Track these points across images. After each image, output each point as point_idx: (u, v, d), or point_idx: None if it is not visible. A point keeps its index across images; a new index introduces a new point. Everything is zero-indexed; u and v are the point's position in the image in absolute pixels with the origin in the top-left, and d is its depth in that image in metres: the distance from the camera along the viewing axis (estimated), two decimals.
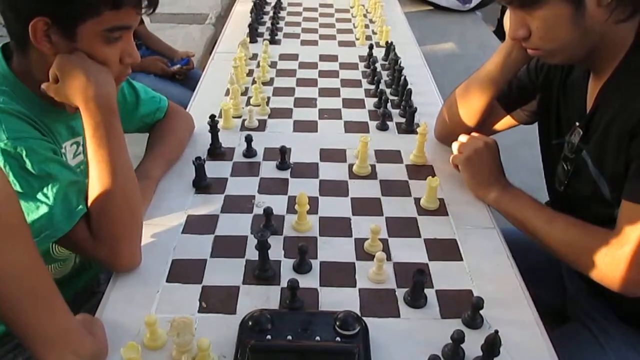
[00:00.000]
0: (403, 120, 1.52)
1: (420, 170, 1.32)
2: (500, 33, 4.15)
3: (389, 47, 1.91)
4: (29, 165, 0.91)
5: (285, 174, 1.29)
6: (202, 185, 1.23)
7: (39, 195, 0.92)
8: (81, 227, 0.96)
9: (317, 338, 0.84)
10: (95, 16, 0.92)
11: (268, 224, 1.09)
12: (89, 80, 0.95)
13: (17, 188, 0.91)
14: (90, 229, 0.97)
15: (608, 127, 1.00)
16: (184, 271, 1.01)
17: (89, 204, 0.98)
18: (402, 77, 1.64)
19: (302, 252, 1.00)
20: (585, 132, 1.06)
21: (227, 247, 1.07)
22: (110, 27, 0.94)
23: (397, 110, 1.58)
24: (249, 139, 1.34)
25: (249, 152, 1.35)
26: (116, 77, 1.02)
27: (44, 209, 0.92)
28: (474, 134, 1.24)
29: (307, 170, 1.31)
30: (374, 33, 2.19)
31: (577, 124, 1.08)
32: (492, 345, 0.83)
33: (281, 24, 2.26)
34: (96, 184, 0.97)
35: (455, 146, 1.25)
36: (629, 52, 0.99)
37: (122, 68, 1.02)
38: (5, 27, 0.97)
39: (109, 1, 0.92)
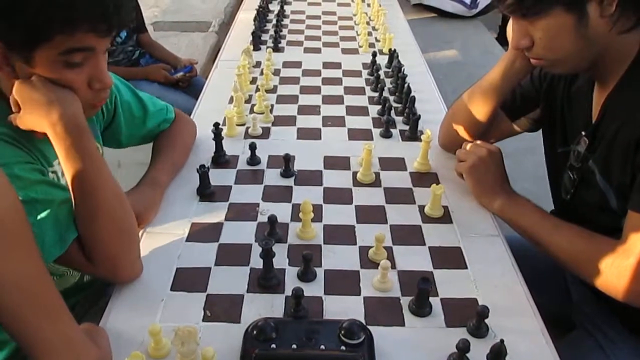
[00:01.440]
0: (407, 127, 1.52)
1: (425, 178, 1.32)
2: (502, 39, 4.15)
3: (392, 54, 1.92)
4: None
5: (289, 182, 1.29)
6: (206, 193, 1.23)
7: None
8: (75, 248, 0.94)
9: (322, 347, 0.84)
10: (46, 41, 0.86)
11: (272, 232, 1.09)
12: (50, 103, 0.90)
13: None
14: (83, 250, 0.95)
15: (614, 136, 1.00)
16: (188, 280, 1.01)
17: (77, 228, 0.95)
18: (406, 85, 1.65)
19: (306, 260, 1.00)
20: (591, 141, 1.06)
21: (232, 255, 1.07)
22: (65, 49, 0.88)
23: (401, 118, 1.58)
24: (252, 147, 1.34)
25: (253, 159, 1.35)
26: (89, 103, 0.97)
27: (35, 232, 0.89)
28: (477, 141, 1.24)
29: (311, 178, 1.31)
30: (377, 40, 2.19)
31: (583, 133, 1.08)
32: (497, 354, 0.83)
33: (284, 31, 2.26)
34: (80, 208, 0.94)
35: (459, 154, 1.25)
36: (634, 62, 0.98)
37: (93, 93, 0.96)
38: None
39: (58, 26, 0.85)
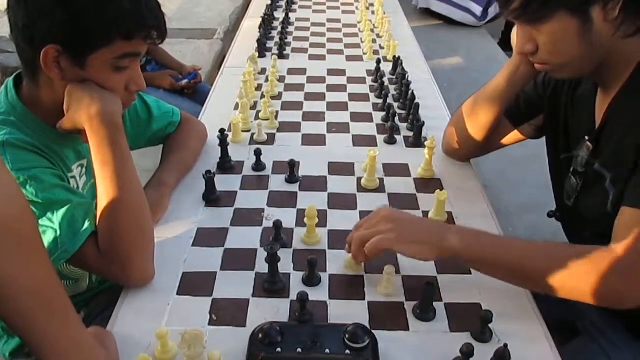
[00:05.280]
0: (411, 134, 1.53)
1: (428, 184, 1.32)
2: (504, 45, 4.16)
3: (397, 61, 1.93)
4: (32, 193, 0.93)
5: (294, 187, 1.30)
6: (212, 198, 1.24)
7: (43, 221, 0.93)
8: (89, 246, 0.96)
9: (327, 351, 0.84)
10: (107, 46, 0.95)
11: (277, 236, 1.10)
12: (92, 99, 0.98)
13: None
14: (99, 246, 0.97)
15: (621, 142, 0.99)
16: (195, 284, 1.02)
17: (97, 221, 0.98)
18: (410, 91, 1.66)
19: (311, 264, 1.01)
20: (595, 146, 1.06)
21: (237, 259, 1.08)
22: (121, 54, 0.97)
23: (405, 124, 1.59)
24: (258, 153, 1.35)
25: (258, 165, 1.37)
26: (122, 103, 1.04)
27: (49, 233, 0.93)
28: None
29: (316, 184, 1.32)
30: (382, 47, 2.21)
31: (587, 138, 1.08)
32: (501, 359, 0.84)
33: (289, 39, 2.28)
34: (103, 201, 0.98)
35: (356, 241, 1.00)
36: (639, 66, 0.99)
37: (127, 95, 1.05)
38: (17, 53, 0.99)
39: (122, 32, 0.95)
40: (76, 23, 0.92)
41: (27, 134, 1.00)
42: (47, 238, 0.93)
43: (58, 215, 0.94)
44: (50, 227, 0.93)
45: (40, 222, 0.93)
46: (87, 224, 0.96)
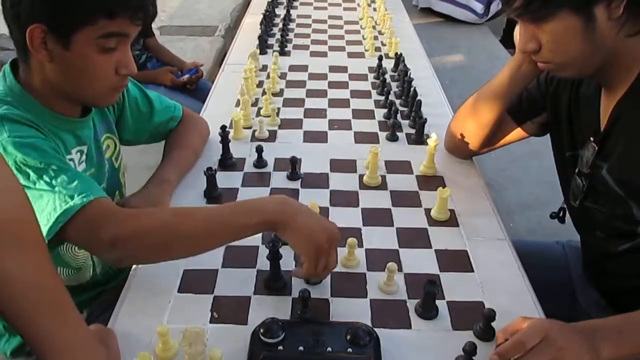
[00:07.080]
0: (413, 131, 1.52)
1: (431, 181, 1.32)
2: (505, 42, 4.14)
3: (399, 58, 1.92)
4: (33, 157, 0.92)
5: (296, 185, 1.30)
6: (214, 195, 1.24)
7: (40, 184, 0.91)
8: (82, 218, 0.91)
9: (329, 349, 0.84)
10: (90, 25, 0.94)
11: None
12: None
13: (21, 181, 0.90)
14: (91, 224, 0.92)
15: (630, 144, 0.99)
16: (196, 281, 1.01)
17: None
18: (412, 88, 1.65)
19: None
20: (600, 148, 1.05)
21: (239, 257, 1.07)
22: (105, 33, 0.96)
23: (407, 121, 1.59)
24: (259, 150, 1.35)
25: (260, 162, 1.36)
26: (112, 87, 1.04)
27: (46, 196, 0.91)
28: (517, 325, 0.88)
29: (318, 181, 1.32)
30: (383, 44, 2.20)
31: (592, 139, 1.07)
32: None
33: (290, 35, 2.27)
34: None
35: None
36: None
37: (118, 79, 1.03)
38: (10, 37, 1.00)
39: (104, 11, 0.94)
40: (62, 0, 0.92)
41: (28, 112, 0.99)
42: (45, 201, 0.91)
43: (57, 180, 0.92)
44: (47, 191, 0.91)
45: (37, 185, 0.91)
46: (97, 187, 0.97)
